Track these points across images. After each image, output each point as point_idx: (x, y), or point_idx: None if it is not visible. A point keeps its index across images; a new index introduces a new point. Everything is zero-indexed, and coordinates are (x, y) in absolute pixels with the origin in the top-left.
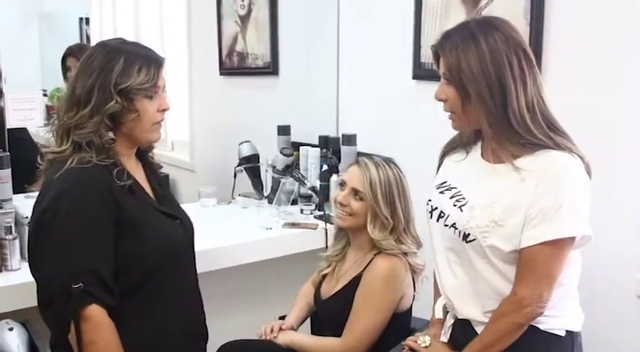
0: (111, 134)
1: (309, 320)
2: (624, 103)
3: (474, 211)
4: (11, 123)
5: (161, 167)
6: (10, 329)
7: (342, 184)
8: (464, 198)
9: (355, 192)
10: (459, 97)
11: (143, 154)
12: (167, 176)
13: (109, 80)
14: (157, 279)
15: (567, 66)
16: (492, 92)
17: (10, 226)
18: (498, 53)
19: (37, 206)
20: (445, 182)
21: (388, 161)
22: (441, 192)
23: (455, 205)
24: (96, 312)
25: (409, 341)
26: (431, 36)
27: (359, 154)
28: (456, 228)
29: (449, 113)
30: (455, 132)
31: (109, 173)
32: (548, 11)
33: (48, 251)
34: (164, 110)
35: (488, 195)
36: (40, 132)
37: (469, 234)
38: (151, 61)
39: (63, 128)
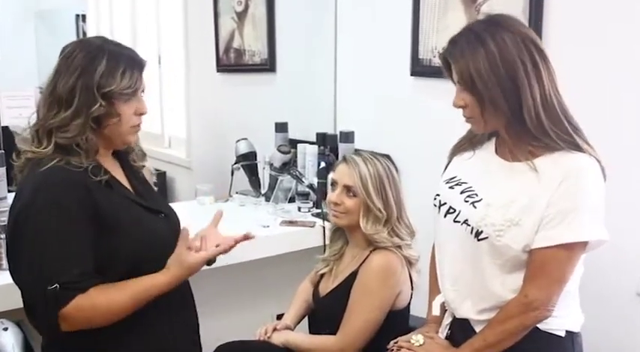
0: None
1: (306, 318)
2: (623, 101)
3: (490, 209)
4: (5, 120)
5: (143, 166)
6: (5, 329)
7: (333, 184)
8: (476, 195)
9: (347, 189)
10: (476, 102)
11: (121, 154)
12: (164, 173)
13: (91, 81)
14: (141, 275)
15: (566, 63)
16: (506, 93)
17: (4, 225)
18: (508, 52)
19: (13, 208)
20: (455, 177)
21: (375, 155)
22: (451, 187)
23: (467, 201)
24: (78, 302)
25: (401, 341)
26: (429, 32)
27: (356, 151)
28: (468, 225)
29: (466, 118)
30: (457, 128)
31: (84, 170)
32: (547, 8)
33: (24, 254)
34: (141, 114)
35: (506, 193)
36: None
37: (482, 232)
38: (135, 64)
39: (43, 128)
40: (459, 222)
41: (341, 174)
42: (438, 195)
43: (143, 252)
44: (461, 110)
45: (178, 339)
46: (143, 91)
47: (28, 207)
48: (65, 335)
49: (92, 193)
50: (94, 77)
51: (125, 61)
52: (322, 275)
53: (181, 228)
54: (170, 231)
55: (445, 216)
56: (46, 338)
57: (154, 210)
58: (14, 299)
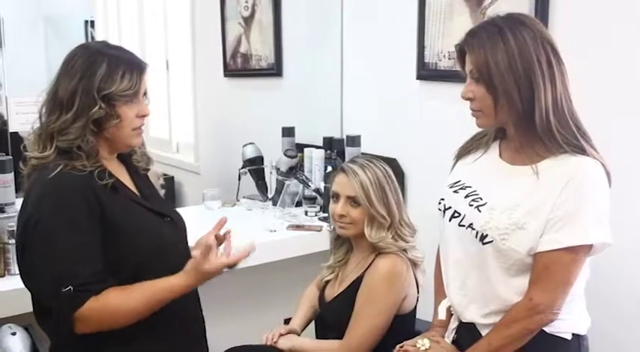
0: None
1: (313, 323)
2: (629, 102)
3: (494, 212)
4: (14, 127)
5: (148, 169)
6: (13, 334)
7: (334, 196)
8: (481, 199)
9: (351, 200)
10: (488, 95)
11: (126, 157)
12: (172, 178)
13: (92, 84)
14: (146, 278)
15: (572, 65)
16: (520, 90)
17: (14, 230)
18: (527, 49)
19: (21, 214)
20: (459, 181)
21: (371, 159)
22: (455, 192)
23: (471, 205)
24: (92, 303)
25: (407, 345)
26: (434, 36)
27: (363, 155)
28: (472, 229)
29: (472, 111)
30: (463, 132)
31: (90, 174)
32: (553, 11)
33: (35, 259)
34: (143, 116)
35: (510, 196)
36: None
37: (487, 235)
38: (134, 67)
39: (46, 132)
40: (463, 225)
41: (341, 185)
42: (442, 199)
43: (148, 256)
44: (466, 111)
45: (185, 346)
46: (145, 94)
47: (36, 212)
48: (73, 341)
49: (99, 197)
50: (94, 81)
51: (125, 64)
52: (327, 281)
53: (201, 238)
54: (176, 235)
55: (450, 220)
56: (55, 342)
57: (160, 214)
58: (22, 304)
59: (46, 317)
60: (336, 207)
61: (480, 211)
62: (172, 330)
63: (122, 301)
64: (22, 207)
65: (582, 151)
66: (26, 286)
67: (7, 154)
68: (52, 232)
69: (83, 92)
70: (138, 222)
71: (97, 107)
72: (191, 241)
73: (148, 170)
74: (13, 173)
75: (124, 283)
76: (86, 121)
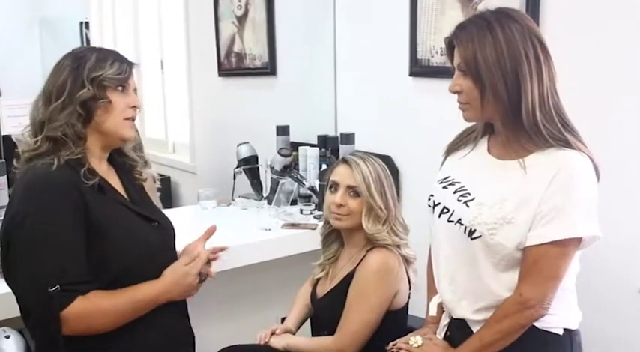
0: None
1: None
2: (620, 97)
3: (483, 208)
4: (6, 130)
5: (145, 179)
6: (7, 337)
7: (332, 186)
8: (469, 194)
9: (350, 190)
10: (476, 89)
11: (117, 161)
12: (168, 178)
13: (82, 73)
14: (129, 283)
15: (562, 60)
16: (507, 84)
17: None
18: (515, 44)
19: (7, 211)
20: (448, 177)
21: (369, 154)
22: (444, 187)
23: (460, 200)
24: (79, 304)
25: (400, 342)
26: (427, 32)
27: (357, 152)
28: (461, 224)
29: (460, 104)
30: (457, 128)
31: (77, 174)
32: (544, 5)
33: (21, 258)
34: (134, 107)
35: (498, 191)
36: None
37: (475, 231)
38: (123, 58)
39: (36, 126)
40: (452, 221)
41: (342, 175)
42: (432, 195)
43: (134, 261)
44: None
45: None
46: (135, 91)
47: (23, 209)
48: (59, 342)
49: (84, 197)
50: (83, 70)
51: (113, 55)
52: (319, 279)
53: (189, 244)
54: (162, 240)
55: (439, 216)
56: (38, 342)
57: (148, 218)
58: (17, 307)
59: (29, 317)
60: (335, 197)
61: (468, 206)
62: (158, 339)
63: (109, 303)
64: (8, 203)
65: (568, 145)
66: (9, 285)
67: (0, 157)
68: (39, 229)
69: (73, 81)
70: (123, 226)
71: (85, 89)
72: (184, 241)
73: (145, 180)
74: (6, 176)
75: (105, 286)
76: (74, 105)
